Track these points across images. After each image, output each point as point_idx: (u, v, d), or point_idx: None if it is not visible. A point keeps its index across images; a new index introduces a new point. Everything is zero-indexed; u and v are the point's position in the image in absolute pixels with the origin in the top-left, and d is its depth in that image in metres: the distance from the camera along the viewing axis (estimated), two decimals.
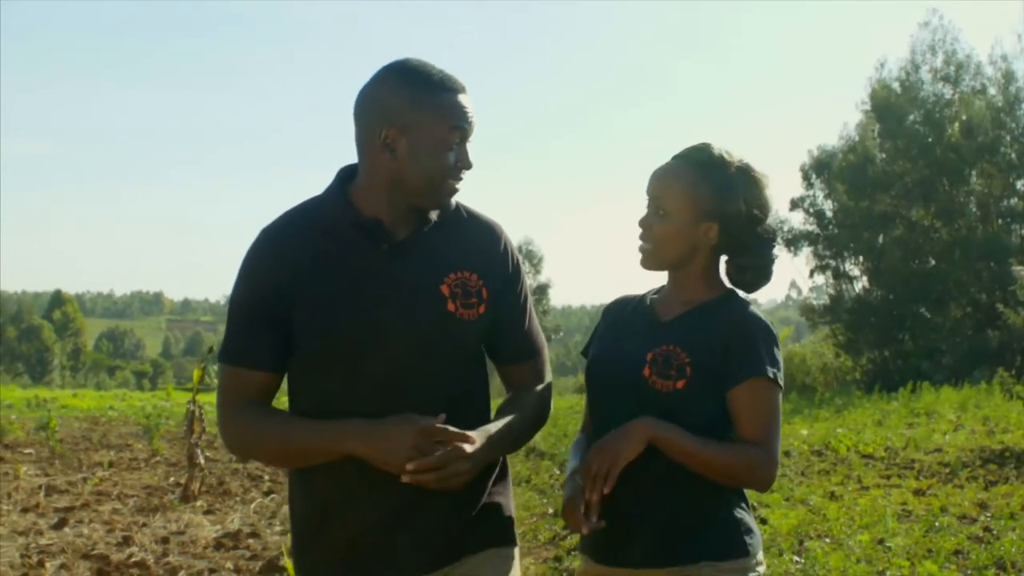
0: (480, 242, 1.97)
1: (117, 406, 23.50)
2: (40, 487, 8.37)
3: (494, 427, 1.89)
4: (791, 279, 20.52)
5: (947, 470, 7.77)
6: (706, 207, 1.95)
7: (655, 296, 2.09)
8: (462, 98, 1.87)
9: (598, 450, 1.89)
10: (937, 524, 5.20)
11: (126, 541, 5.93)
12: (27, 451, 11.69)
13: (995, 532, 5.07)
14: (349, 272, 1.87)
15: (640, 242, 2.00)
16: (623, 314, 2.11)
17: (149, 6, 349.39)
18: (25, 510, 7.23)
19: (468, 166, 1.90)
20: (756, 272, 2.02)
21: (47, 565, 5.30)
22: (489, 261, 1.96)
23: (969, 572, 4.14)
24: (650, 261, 2.01)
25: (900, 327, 20.53)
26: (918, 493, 6.60)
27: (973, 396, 13.37)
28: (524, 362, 2.04)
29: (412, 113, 1.83)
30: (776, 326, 2.09)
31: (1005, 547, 4.55)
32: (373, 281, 1.86)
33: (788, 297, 25.15)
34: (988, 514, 5.64)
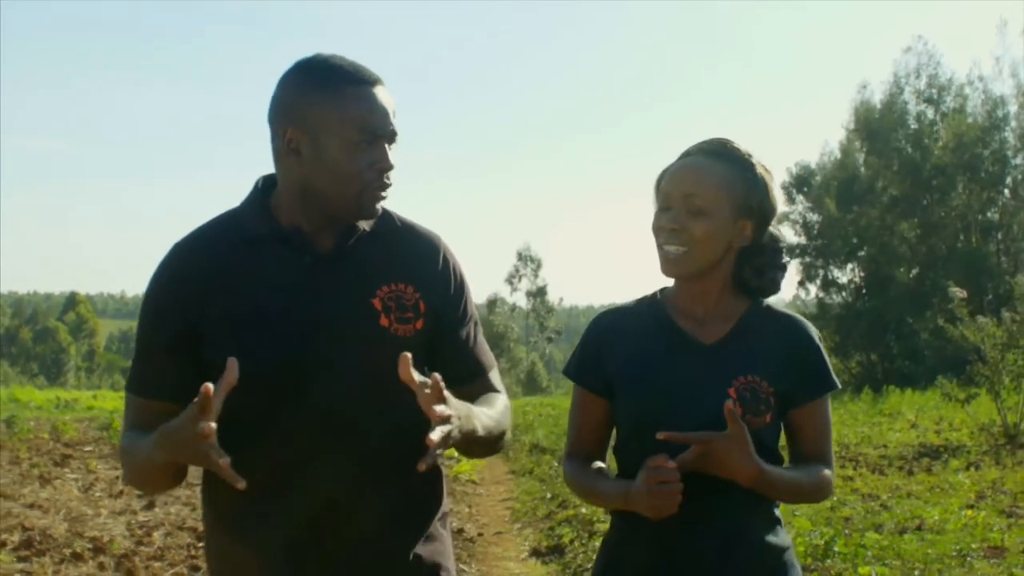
0: (416, 254, 1.81)
1: None
2: (117, 478, 9.82)
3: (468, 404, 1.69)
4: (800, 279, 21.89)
5: (886, 462, 9.20)
6: (741, 203, 1.82)
7: (666, 312, 1.90)
8: (373, 90, 1.69)
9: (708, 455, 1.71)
10: (839, 499, 6.66)
11: None
12: (87, 448, 13.06)
13: (889, 507, 6.52)
14: (265, 287, 1.70)
15: (669, 246, 1.80)
16: (641, 336, 1.89)
17: (168, 3, 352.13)
18: (113, 496, 8.70)
19: (387, 167, 1.69)
20: (775, 274, 1.90)
21: (154, 535, 6.78)
22: (427, 274, 1.80)
23: (849, 532, 5.60)
24: (685, 265, 1.81)
25: (886, 332, 21.94)
26: (848, 479, 8.03)
27: (933, 399, 14.76)
28: (474, 382, 1.85)
29: (312, 110, 1.66)
30: None
31: (885, 516, 6.01)
32: (293, 296, 1.70)
33: (796, 297, 26.08)
34: (890, 494, 7.10)
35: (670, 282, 1.93)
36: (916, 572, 4.73)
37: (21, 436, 13.48)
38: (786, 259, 1.95)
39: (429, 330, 1.78)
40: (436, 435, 1.49)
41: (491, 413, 1.77)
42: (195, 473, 1.78)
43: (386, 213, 1.81)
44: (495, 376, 1.92)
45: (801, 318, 1.91)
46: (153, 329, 1.75)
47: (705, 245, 1.80)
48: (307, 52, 1.80)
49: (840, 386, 1.91)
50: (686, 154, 1.87)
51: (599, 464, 1.93)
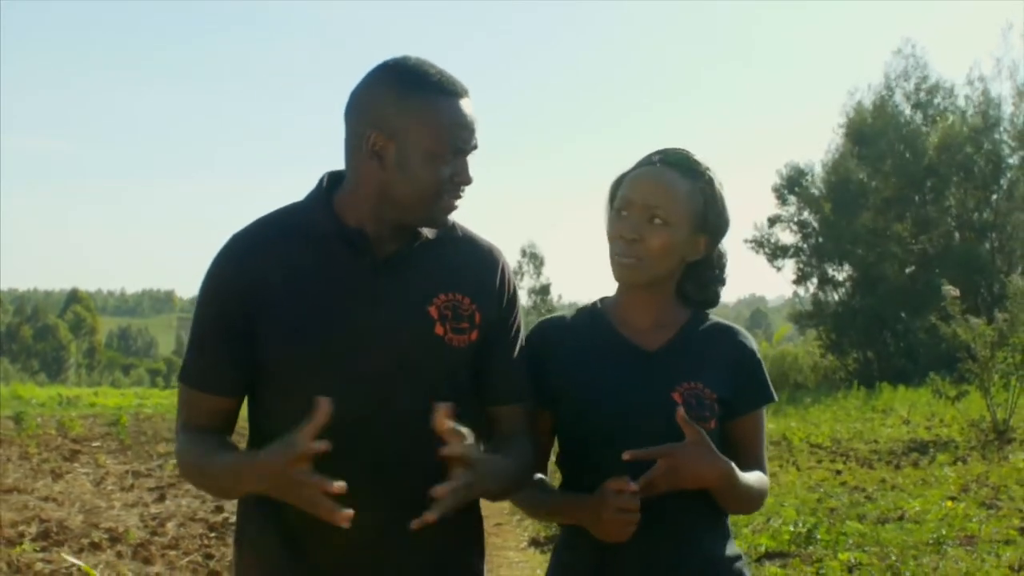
0: (476, 265, 1.79)
1: (147, 403, 24.88)
2: (127, 472, 10.09)
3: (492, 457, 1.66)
4: (796, 278, 21.92)
5: (875, 457, 9.44)
6: (699, 219, 1.81)
7: (608, 320, 1.89)
8: (461, 103, 1.67)
9: (673, 468, 1.67)
10: (824, 491, 6.93)
11: (218, 509, 7.67)
12: (95, 444, 13.28)
13: (873, 499, 6.78)
14: (324, 286, 1.68)
15: (625, 256, 1.79)
16: (582, 345, 1.87)
17: (168, 3, 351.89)
18: (125, 489, 8.96)
19: (467, 181, 1.69)
20: (717, 287, 1.92)
21: (167, 525, 7.04)
22: (484, 286, 1.77)
23: (833, 521, 5.86)
24: (639, 275, 1.80)
25: (882, 330, 22.17)
26: (836, 473, 8.29)
27: (926, 395, 14.99)
28: (515, 403, 1.80)
29: (402, 118, 1.64)
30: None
31: (869, 507, 6.27)
32: (350, 297, 1.68)
33: (795, 294, 25.84)
34: (876, 487, 7.35)
35: (611, 292, 1.94)
36: (892, 558, 5.00)
37: (29, 432, 13.72)
38: (727, 274, 1.95)
39: (481, 342, 1.76)
40: (445, 487, 1.53)
41: (508, 471, 1.73)
42: None
43: (450, 222, 1.80)
44: (528, 410, 1.83)
45: (742, 329, 1.92)
46: (210, 320, 1.72)
47: (661, 258, 1.79)
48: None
49: (777, 399, 1.92)
50: (647, 162, 1.85)
51: (539, 476, 1.89)
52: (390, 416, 1.67)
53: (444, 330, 1.71)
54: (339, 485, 1.47)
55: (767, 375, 1.89)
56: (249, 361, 1.70)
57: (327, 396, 1.63)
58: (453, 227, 1.79)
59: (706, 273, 1.90)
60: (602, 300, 1.95)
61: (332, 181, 1.77)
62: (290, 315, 1.67)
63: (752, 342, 1.90)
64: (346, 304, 1.68)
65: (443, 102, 1.65)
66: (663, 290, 1.87)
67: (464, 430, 1.57)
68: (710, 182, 1.84)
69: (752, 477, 1.80)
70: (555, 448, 1.94)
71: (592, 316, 1.92)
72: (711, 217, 1.84)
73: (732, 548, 1.86)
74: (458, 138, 1.66)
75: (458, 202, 1.72)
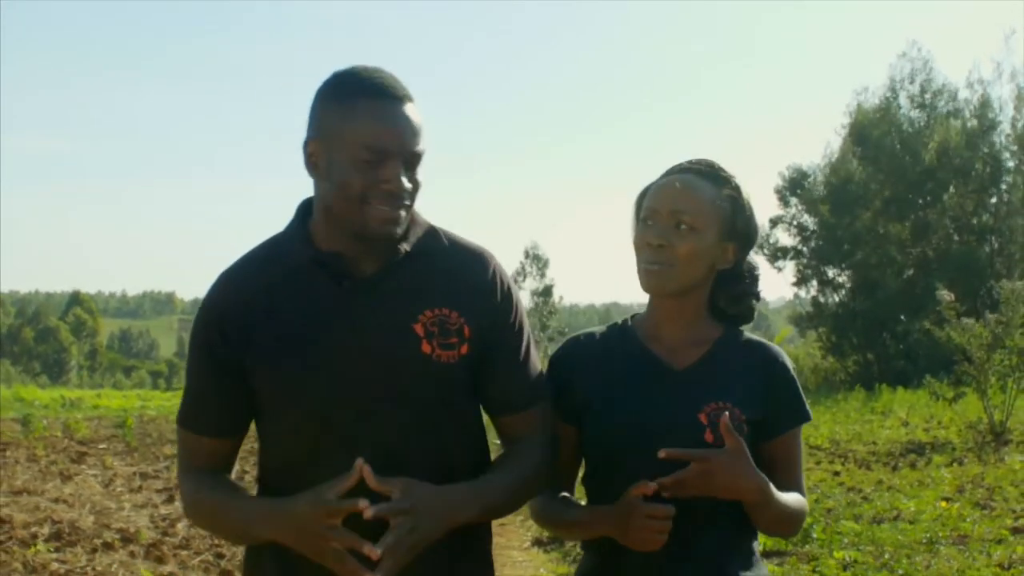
0: (463, 274, 1.72)
1: (149, 405, 24.92)
2: (135, 474, 10.22)
3: (455, 487, 1.63)
4: (796, 279, 21.92)
5: (873, 458, 9.57)
6: (728, 225, 1.79)
7: (637, 337, 1.87)
8: (391, 107, 1.60)
9: (706, 474, 1.65)
10: (822, 491, 7.07)
11: None
12: (101, 446, 13.38)
13: (870, 499, 6.92)
14: (304, 315, 1.65)
15: (652, 262, 1.76)
16: (610, 361, 1.84)
17: (168, 3, 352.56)
18: (134, 491, 9.09)
19: (396, 187, 1.60)
20: (750, 302, 1.89)
21: (177, 526, 7.17)
22: (473, 295, 1.71)
23: (829, 520, 6.00)
24: (667, 281, 1.77)
25: (882, 332, 22.29)
26: (834, 474, 8.42)
27: (924, 397, 15.10)
28: (520, 411, 1.75)
29: (328, 124, 1.61)
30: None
31: (865, 507, 6.41)
32: (332, 322, 1.64)
33: (795, 296, 25.79)
34: (873, 488, 7.49)
35: (643, 307, 1.91)
36: (886, 556, 5.14)
37: (36, 434, 13.82)
38: (760, 288, 1.91)
39: (475, 355, 1.70)
40: (378, 548, 1.48)
41: (502, 487, 1.70)
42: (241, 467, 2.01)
43: (432, 232, 1.75)
44: (546, 409, 1.79)
45: (776, 347, 1.87)
46: (200, 362, 1.72)
47: (689, 263, 1.76)
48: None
49: (812, 418, 1.88)
50: (672, 172, 1.83)
51: (564, 494, 1.89)
52: (380, 436, 1.64)
53: (431, 347, 1.66)
54: (372, 548, 1.47)
55: (802, 393, 1.85)
56: (239, 399, 1.70)
57: (313, 420, 1.64)
58: (438, 237, 1.74)
59: (738, 285, 1.87)
60: (633, 316, 1.93)
61: (309, 207, 1.74)
62: (273, 348, 1.65)
63: (786, 359, 1.86)
64: (327, 328, 1.65)
65: (365, 103, 1.59)
66: (694, 302, 1.84)
67: (394, 485, 1.54)
68: (737, 189, 1.83)
69: (790, 498, 1.76)
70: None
71: (623, 331, 1.90)
72: (739, 224, 1.82)
73: (762, 570, 1.84)
74: (379, 140, 1.58)
75: (400, 212, 1.63)
